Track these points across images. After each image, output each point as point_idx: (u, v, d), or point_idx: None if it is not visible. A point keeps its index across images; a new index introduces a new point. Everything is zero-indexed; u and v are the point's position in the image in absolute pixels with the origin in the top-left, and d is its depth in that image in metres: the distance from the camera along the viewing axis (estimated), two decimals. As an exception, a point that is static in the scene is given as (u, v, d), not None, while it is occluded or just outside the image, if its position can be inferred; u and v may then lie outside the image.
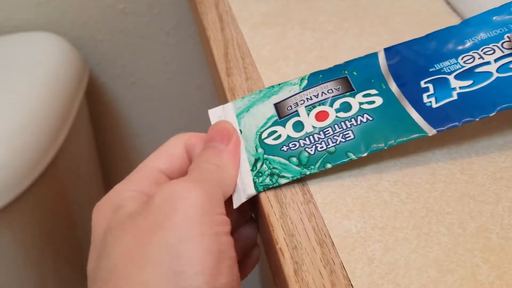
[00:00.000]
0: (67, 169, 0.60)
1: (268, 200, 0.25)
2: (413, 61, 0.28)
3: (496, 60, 0.26)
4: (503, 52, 0.26)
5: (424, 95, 0.26)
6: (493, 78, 0.26)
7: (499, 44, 0.27)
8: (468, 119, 0.24)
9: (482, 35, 0.28)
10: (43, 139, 0.53)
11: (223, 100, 0.33)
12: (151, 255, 0.21)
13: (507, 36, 0.27)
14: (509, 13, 0.28)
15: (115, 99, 0.74)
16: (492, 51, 0.27)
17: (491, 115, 0.24)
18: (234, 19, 0.38)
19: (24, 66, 0.58)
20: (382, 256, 0.22)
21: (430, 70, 0.27)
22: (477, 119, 0.24)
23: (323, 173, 0.26)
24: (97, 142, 0.74)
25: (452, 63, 0.27)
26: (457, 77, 0.26)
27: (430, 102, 0.25)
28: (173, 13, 0.68)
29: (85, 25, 0.66)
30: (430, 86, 0.26)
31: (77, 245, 0.64)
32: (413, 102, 0.26)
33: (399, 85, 0.27)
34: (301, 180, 0.25)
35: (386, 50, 0.29)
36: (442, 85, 0.26)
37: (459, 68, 0.27)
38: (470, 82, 0.26)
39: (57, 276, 0.61)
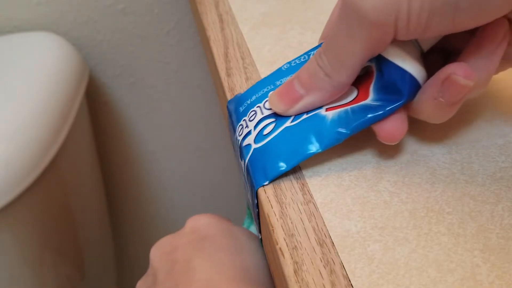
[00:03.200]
0: (67, 169, 0.60)
1: (268, 200, 0.25)
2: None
3: (255, 126, 0.27)
4: (262, 114, 0.27)
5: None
6: (250, 153, 0.26)
7: (261, 105, 0.27)
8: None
9: (253, 97, 0.28)
10: (43, 139, 0.53)
11: (223, 100, 0.33)
12: None
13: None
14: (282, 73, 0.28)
15: (115, 99, 0.74)
16: (254, 115, 0.27)
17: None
18: (234, 19, 0.38)
19: (24, 66, 0.58)
20: (382, 256, 0.22)
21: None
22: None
23: (323, 174, 0.26)
24: (97, 142, 0.74)
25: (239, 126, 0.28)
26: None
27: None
28: (173, 13, 0.68)
29: (85, 25, 0.66)
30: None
31: (77, 245, 0.64)
32: None
33: None
34: (301, 180, 0.25)
35: None
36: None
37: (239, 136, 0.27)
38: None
39: (57, 276, 0.61)
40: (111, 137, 0.78)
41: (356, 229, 0.23)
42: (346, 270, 0.22)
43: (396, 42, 0.24)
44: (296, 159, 0.25)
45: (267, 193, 0.25)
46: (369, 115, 0.24)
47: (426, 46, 0.25)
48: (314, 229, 0.23)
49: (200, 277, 0.27)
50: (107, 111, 0.75)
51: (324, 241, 0.23)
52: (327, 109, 0.25)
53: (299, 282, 0.21)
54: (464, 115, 0.28)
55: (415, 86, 0.24)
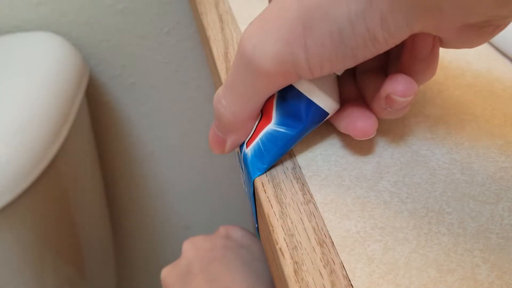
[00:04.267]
0: (67, 169, 0.60)
1: (268, 200, 0.25)
2: None
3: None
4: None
5: None
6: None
7: None
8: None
9: None
10: (43, 139, 0.53)
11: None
12: None
13: None
14: None
15: (115, 99, 0.74)
16: None
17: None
18: (234, 19, 0.38)
19: (24, 66, 0.58)
20: (382, 256, 0.22)
21: None
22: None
23: (323, 174, 0.26)
24: (97, 142, 0.74)
25: None
26: None
27: None
28: (173, 13, 0.68)
29: (85, 25, 0.66)
30: None
31: (77, 245, 0.64)
32: None
33: None
34: (301, 180, 0.25)
35: None
36: None
37: None
38: None
39: (57, 276, 0.61)
40: (111, 137, 0.78)
41: (356, 229, 0.23)
42: (346, 270, 0.22)
43: None
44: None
45: (267, 193, 0.25)
46: (278, 147, 0.25)
47: (339, 72, 0.25)
48: (314, 229, 0.23)
49: (239, 279, 0.29)
50: (107, 111, 0.75)
51: (324, 241, 0.23)
52: (247, 145, 0.26)
53: (299, 282, 0.21)
54: (464, 115, 0.28)
55: (320, 116, 0.25)
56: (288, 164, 0.26)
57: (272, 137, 0.25)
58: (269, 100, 0.25)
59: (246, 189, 0.29)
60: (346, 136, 0.27)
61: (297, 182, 0.25)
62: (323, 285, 0.21)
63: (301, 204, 0.24)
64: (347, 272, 0.21)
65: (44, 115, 0.54)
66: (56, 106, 0.56)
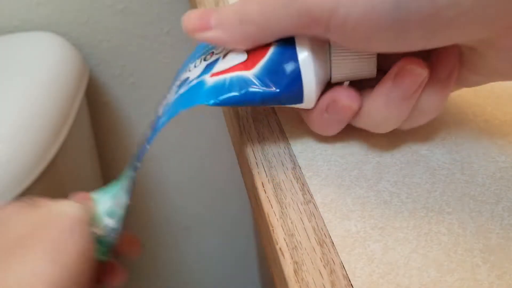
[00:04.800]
0: (67, 169, 0.60)
1: (268, 200, 0.25)
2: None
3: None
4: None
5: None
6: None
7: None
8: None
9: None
10: (43, 139, 0.53)
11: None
12: None
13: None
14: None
15: (115, 99, 0.74)
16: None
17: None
18: (234, 19, 0.38)
19: (24, 66, 0.58)
20: (382, 256, 0.22)
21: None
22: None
23: (323, 174, 0.26)
24: (97, 142, 0.74)
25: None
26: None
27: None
28: (173, 13, 0.68)
29: (85, 25, 0.66)
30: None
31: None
32: None
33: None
34: (301, 180, 0.25)
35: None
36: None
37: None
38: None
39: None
40: (111, 137, 0.78)
41: (356, 229, 0.23)
42: (346, 270, 0.22)
43: (316, 43, 0.23)
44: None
45: (267, 193, 0.25)
46: (241, 97, 0.24)
47: (336, 78, 0.24)
48: (314, 229, 0.23)
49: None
50: (107, 111, 0.75)
51: (324, 241, 0.23)
52: (212, 75, 0.25)
53: (299, 282, 0.21)
54: (464, 115, 0.28)
55: (296, 96, 0.24)
56: (288, 164, 0.26)
57: (243, 84, 0.24)
58: (262, 50, 0.24)
59: (160, 112, 0.27)
60: (346, 136, 0.27)
61: (297, 182, 0.25)
62: (323, 285, 0.21)
63: (301, 204, 0.24)
64: (347, 272, 0.21)
65: (44, 115, 0.54)
66: (56, 106, 0.56)
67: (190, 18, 0.25)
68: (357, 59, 0.24)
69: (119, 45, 0.70)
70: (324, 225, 0.23)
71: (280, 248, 0.23)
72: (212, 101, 0.24)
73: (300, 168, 0.26)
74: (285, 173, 0.26)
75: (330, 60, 0.24)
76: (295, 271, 0.22)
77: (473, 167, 0.25)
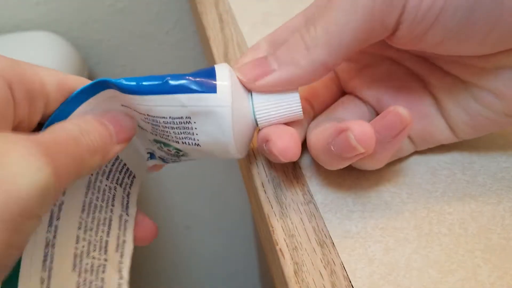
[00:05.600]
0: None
1: (268, 201, 0.25)
2: None
3: None
4: None
5: None
6: None
7: None
8: None
9: None
10: (43, 139, 0.53)
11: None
12: None
13: None
14: None
15: (115, 99, 0.74)
16: None
17: None
18: (234, 18, 0.38)
19: (23, 66, 0.58)
20: (382, 257, 0.22)
21: None
22: None
23: (323, 174, 0.26)
24: (97, 142, 0.74)
25: None
26: None
27: None
28: (173, 13, 0.68)
29: (85, 25, 0.66)
30: None
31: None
32: None
33: None
34: (301, 180, 0.25)
35: None
36: None
37: None
38: None
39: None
40: (111, 137, 0.78)
41: (356, 229, 0.23)
42: (347, 270, 0.21)
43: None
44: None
45: (267, 193, 0.25)
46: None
47: (261, 124, 0.23)
48: (314, 230, 0.23)
49: None
50: (107, 111, 0.75)
51: (325, 242, 0.23)
52: None
53: (299, 283, 0.21)
54: (465, 115, 0.28)
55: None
56: (288, 164, 0.26)
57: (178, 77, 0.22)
58: None
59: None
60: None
61: (297, 182, 0.25)
62: (324, 286, 0.21)
63: (302, 205, 0.24)
64: (347, 273, 0.21)
65: (43, 115, 0.54)
66: (56, 106, 0.56)
67: (245, 69, 0.23)
68: (280, 101, 0.23)
69: (119, 45, 0.69)
70: (325, 225, 0.23)
71: (280, 249, 0.23)
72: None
73: (300, 168, 0.26)
74: (285, 173, 0.26)
75: (253, 105, 0.23)
76: (295, 272, 0.22)
77: (474, 167, 0.25)
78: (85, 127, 0.20)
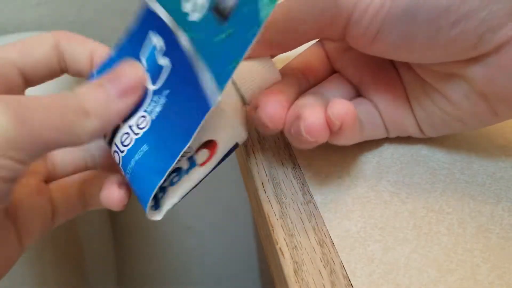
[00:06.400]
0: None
1: (268, 200, 0.25)
2: None
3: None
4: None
5: None
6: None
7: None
8: None
9: None
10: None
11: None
12: None
13: None
14: None
15: (115, 99, 0.74)
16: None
17: None
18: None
19: (24, 66, 0.58)
20: (382, 256, 0.22)
21: None
22: None
23: (323, 174, 0.26)
24: (97, 142, 0.74)
25: None
26: None
27: None
28: (173, 13, 0.68)
29: (85, 25, 0.66)
30: None
31: (78, 245, 0.64)
32: None
33: None
34: (301, 180, 0.25)
35: None
36: None
37: None
38: None
39: (57, 276, 0.61)
40: (111, 137, 0.78)
41: (356, 229, 0.23)
42: (346, 270, 0.22)
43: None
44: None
45: (267, 193, 0.25)
46: None
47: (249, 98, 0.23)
48: (314, 229, 0.23)
49: None
50: (107, 111, 0.75)
51: (324, 241, 0.23)
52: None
53: (299, 282, 0.21)
54: (464, 115, 0.28)
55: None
56: (288, 164, 0.26)
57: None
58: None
59: None
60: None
61: (297, 182, 0.25)
62: (323, 285, 0.21)
63: (301, 204, 0.24)
64: (347, 272, 0.21)
65: (44, 115, 0.54)
66: (56, 106, 0.56)
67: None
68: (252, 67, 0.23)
69: (119, 45, 0.70)
70: (324, 225, 0.23)
71: (280, 248, 0.23)
72: None
73: (300, 168, 0.26)
74: (285, 173, 0.26)
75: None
76: (295, 271, 0.22)
77: (473, 167, 0.25)
78: (78, 91, 0.23)
